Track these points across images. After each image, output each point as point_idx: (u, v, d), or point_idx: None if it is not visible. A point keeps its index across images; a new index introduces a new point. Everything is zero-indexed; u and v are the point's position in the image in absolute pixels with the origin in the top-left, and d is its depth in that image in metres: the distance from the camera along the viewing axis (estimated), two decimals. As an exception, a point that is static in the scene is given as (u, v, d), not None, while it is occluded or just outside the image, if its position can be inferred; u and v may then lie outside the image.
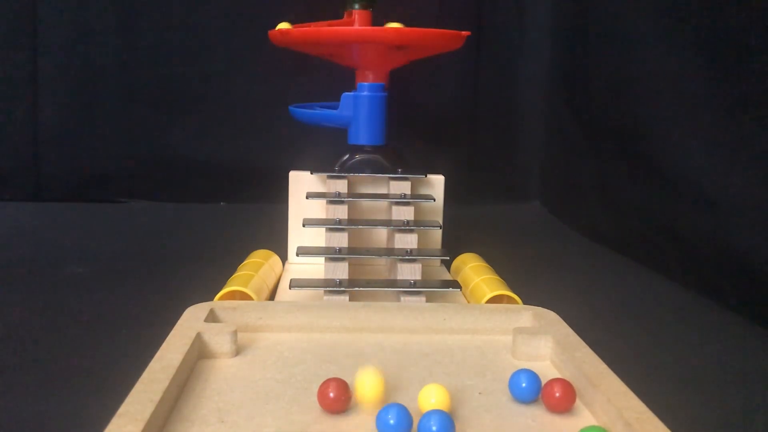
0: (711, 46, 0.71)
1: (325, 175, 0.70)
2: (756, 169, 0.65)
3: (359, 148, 0.73)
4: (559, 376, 0.47)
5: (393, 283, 0.62)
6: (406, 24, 0.71)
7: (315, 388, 0.43)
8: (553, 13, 1.12)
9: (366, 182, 0.73)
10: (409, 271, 0.63)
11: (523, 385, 0.42)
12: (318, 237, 0.67)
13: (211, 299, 0.58)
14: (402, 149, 0.77)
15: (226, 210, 1.12)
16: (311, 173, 0.72)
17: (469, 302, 0.65)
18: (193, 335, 0.47)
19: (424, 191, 0.74)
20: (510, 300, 0.62)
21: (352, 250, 0.64)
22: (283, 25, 0.72)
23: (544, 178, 1.18)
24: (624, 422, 0.38)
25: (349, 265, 0.62)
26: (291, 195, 0.73)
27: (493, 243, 0.90)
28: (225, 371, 0.46)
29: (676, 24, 0.77)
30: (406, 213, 0.67)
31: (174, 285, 0.71)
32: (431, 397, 0.40)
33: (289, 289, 0.60)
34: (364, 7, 0.75)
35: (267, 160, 1.09)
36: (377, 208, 0.73)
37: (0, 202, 1.08)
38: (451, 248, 0.74)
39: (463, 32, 0.73)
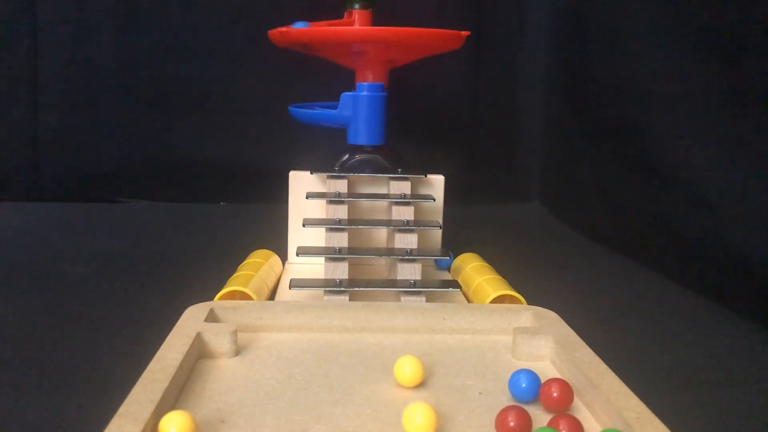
0: (711, 46, 0.71)
1: (325, 175, 0.70)
2: (756, 169, 0.65)
3: (359, 148, 0.73)
4: (558, 376, 0.47)
5: (393, 283, 0.62)
6: (406, 24, 0.71)
7: (315, 388, 0.44)
8: (553, 13, 1.12)
9: (366, 182, 0.73)
10: (409, 271, 0.63)
11: (523, 385, 0.42)
12: (318, 237, 0.67)
13: (211, 299, 0.58)
14: (402, 149, 0.77)
15: (226, 210, 1.12)
16: (311, 173, 0.72)
17: (472, 302, 0.65)
18: (193, 335, 0.47)
19: (424, 191, 0.74)
20: (513, 299, 0.62)
21: (352, 250, 0.64)
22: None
23: (544, 178, 1.18)
24: (624, 422, 0.38)
25: (349, 265, 0.62)
26: (291, 195, 0.73)
27: (493, 243, 0.90)
28: (225, 371, 0.46)
29: (676, 24, 0.77)
30: (406, 213, 0.67)
31: (174, 285, 0.71)
32: (416, 417, 0.38)
33: (289, 289, 0.60)
34: (364, 7, 0.75)
35: (267, 160, 1.09)
36: (377, 208, 0.73)
37: (0, 202, 1.08)
38: (451, 248, 0.74)
39: (463, 32, 0.73)
